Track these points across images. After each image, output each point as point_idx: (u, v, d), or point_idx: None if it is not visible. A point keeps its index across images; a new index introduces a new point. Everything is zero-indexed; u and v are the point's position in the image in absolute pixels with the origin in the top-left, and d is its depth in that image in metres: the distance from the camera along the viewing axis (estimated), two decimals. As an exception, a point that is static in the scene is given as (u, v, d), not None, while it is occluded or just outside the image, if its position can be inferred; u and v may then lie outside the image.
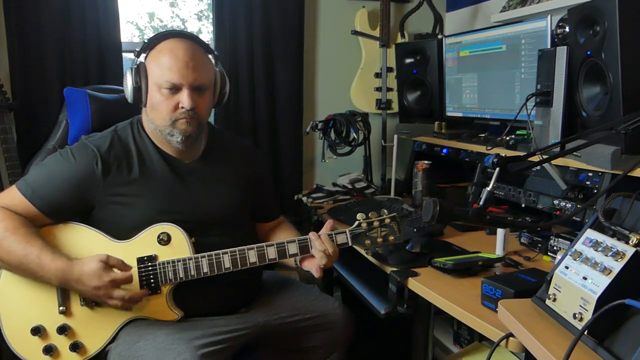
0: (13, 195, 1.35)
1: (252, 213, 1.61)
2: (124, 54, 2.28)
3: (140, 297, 1.31)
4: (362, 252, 1.55)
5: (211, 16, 2.42)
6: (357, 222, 1.44)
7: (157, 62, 1.36)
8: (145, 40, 1.39)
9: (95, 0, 2.17)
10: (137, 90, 1.37)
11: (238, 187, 1.52)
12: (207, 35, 2.70)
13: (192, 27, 2.77)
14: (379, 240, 1.44)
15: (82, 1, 2.15)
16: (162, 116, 1.37)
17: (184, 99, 1.35)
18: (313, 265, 1.42)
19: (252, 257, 1.37)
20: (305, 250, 1.41)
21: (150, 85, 1.37)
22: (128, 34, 2.65)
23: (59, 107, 1.95)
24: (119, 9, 2.23)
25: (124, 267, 1.30)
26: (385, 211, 1.46)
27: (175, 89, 1.35)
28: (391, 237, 1.44)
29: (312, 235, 1.41)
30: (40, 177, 1.37)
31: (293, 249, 1.40)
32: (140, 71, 1.37)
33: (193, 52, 1.37)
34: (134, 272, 1.32)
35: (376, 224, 1.44)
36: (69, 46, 2.16)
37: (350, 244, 1.43)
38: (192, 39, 1.40)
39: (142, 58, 1.39)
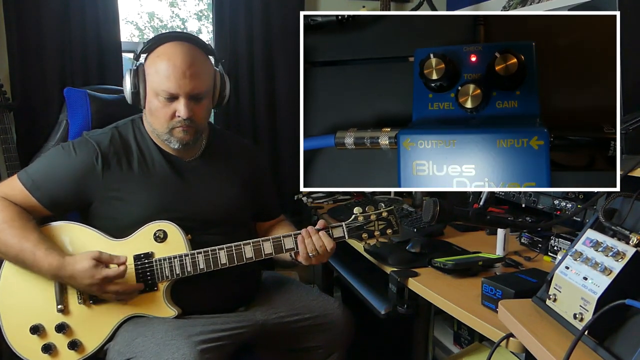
0: (14, 185, 1.35)
1: (253, 212, 1.61)
2: (123, 54, 2.28)
3: (135, 290, 1.32)
4: (360, 247, 1.54)
5: (211, 16, 2.42)
6: (353, 216, 1.42)
7: (154, 67, 1.34)
8: (145, 42, 1.37)
9: (94, 0, 2.17)
10: (136, 94, 1.36)
11: (238, 186, 1.52)
12: (207, 35, 2.70)
13: (192, 27, 2.77)
14: (377, 233, 1.41)
15: (82, 1, 2.15)
16: (160, 122, 1.37)
17: (181, 108, 1.33)
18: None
19: (249, 252, 1.37)
20: None
21: (148, 90, 1.36)
22: (128, 33, 2.65)
23: (59, 107, 1.95)
24: (118, 8, 2.22)
25: (116, 261, 1.30)
26: (383, 205, 1.44)
27: (172, 97, 1.34)
28: (389, 231, 1.41)
29: (310, 229, 1.39)
30: (41, 169, 1.37)
31: (289, 243, 1.39)
32: (138, 75, 1.35)
33: (192, 58, 1.34)
34: (131, 269, 1.32)
35: (373, 217, 1.41)
36: (68, 46, 2.16)
37: (347, 238, 1.41)
38: (192, 41, 1.38)
39: (141, 59, 1.38)
